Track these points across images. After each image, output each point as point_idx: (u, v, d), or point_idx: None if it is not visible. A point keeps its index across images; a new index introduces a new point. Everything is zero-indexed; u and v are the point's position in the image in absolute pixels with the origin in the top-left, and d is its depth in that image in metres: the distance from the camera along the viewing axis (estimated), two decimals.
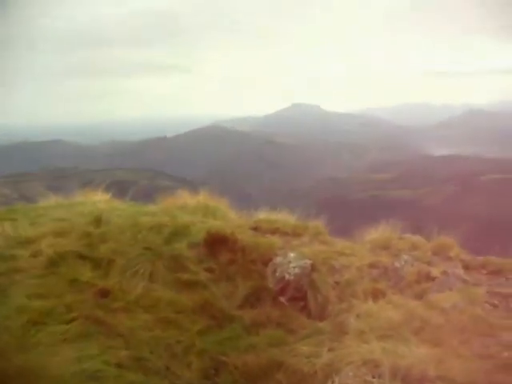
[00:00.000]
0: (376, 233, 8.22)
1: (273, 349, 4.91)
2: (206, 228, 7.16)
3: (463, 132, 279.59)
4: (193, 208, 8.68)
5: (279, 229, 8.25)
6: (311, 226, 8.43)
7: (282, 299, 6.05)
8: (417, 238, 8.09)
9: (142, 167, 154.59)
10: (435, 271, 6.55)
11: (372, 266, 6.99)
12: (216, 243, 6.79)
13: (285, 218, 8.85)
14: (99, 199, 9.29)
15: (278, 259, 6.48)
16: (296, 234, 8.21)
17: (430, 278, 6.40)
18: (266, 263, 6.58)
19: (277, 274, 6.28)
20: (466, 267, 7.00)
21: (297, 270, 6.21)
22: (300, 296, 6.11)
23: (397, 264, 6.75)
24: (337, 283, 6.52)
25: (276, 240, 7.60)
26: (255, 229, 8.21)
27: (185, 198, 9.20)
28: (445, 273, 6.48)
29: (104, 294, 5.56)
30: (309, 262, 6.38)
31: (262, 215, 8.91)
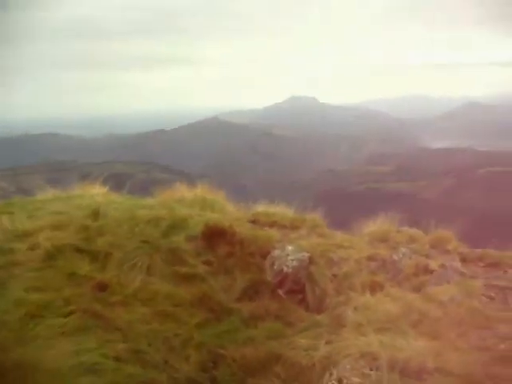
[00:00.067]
0: (374, 225, 8.23)
1: (271, 341, 4.92)
2: (204, 221, 7.15)
3: (461, 125, 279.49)
4: (190, 201, 8.66)
5: (277, 222, 8.24)
6: (309, 218, 8.43)
7: (280, 292, 6.06)
8: (415, 231, 8.10)
9: (140, 160, 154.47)
10: (433, 264, 6.56)
11: (370, 258, 6.99)
12: (214, 236, 6.78)
13: (283, 210, 8.85)
14: (97, 192, 9.27)
15: (276, 252, 6.48)
16: (294, 226, 8.21)
17: (427, 270, 6.41)
18: (264, 256, 6.58)
19: (275, 267, 6.28)
20: (464, 260, 7.01)
21: (295, 263, 6.22)
22: (298, 289, 6.12)
23: (395, 257, 6.76)
24: (335, 276, 6.52)
25: (274, 233, 7.60)
26: (253, 222, 8.20)
27: (182, 190, 9.18)
28: (442, 266, 6.48)
29: (102, 287, 5.55)
30: (307, 254, 6.38)
31: (260, 208, 8.90)
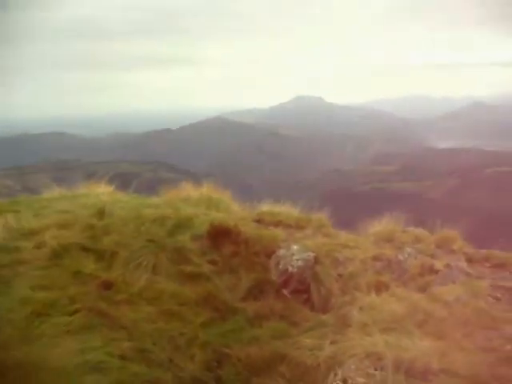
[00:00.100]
0: (379, 225, 8.21)
1: (276, 341, 4.92)
2: (209, 220, 7.15)
3: (466, 124, 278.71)
4: (196, 200, 8.66)
5: (282, 221, 8.24)
6: (314, 218, 8.42)
7: (285, 292, 6.05)
8: (420, 231, 8.08)
9: (145, 159, 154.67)
10: (438, 264, 6.54)
11: (375, 258, 6.98)
12: (219, 235, 6.78)
13: (288, 210, 8.84)
14: (102, 191, 9.28)
15: (281, 252, 6.47)
16: (299, 226, 8.20)
17: (433, 270, 6.39)
18: (269, 255, 6.58)
19: (280, 267, 6.28)
20: (470, 260, 6.99)
21: (300, 263, 6.21)
22: (303, 288, 6.11)
23: (400, 257, 6.74)
24: (340, 276, 6.51)
25: (279, 232, 7.59)
26: (258, 221, 8.20)
27: (188, 190, 9.19)
28: (448, 266, 6.46)
29: (107, 286, 5.56)
30: (312, 254, 6.38)
31: (265, 207, 8.90)
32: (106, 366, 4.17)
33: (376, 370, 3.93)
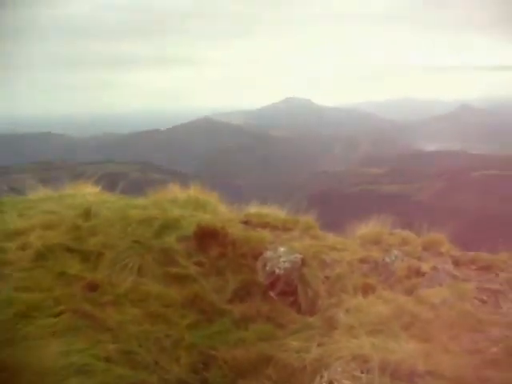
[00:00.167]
0: (367, 228, 8.23)
1: (262, 343, 4.92)
2: (196, 221, 7.12)
3: (455, 127, 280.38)
4: (183, 201, 8.62)
5: (270, 223, 8.22)
6: (302, 220, 8.42)
7: (272, 294, 6.04)
8: (407, 234, 8.10)
9: (133, 160, 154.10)
10: (425, 266, 6.56)
11: (362, 260, 6.99)
12: (206, 237, 6.76)
13: (275, 212, 8.83)
14: (89, 192, 9.21)
15: (268, 253, 6.46)
16: (287, 228, 8.19)
17: (420, 273, 6.41)
18: (256, 257, 6.56)
19: (267, 269, 6.26)
20: (456, 263, 7.02)
21: (287, 265, 6.20)
22: (290, 290, 6.10)
23: (387, 259, 6.75)
24: (327, 278, 6.51)
25: (266, 234, 7.57)
26: (246, 223, 8.17)
27: (175, 191, 9.14)
28: (435, 268, 6.48)
29: (93, 287, 5.52)
30: (299, 256, 6.37)
31: (253, 209, 8.88)
32: (91, 369, 4.15)
33: (362, 372, 3.93)
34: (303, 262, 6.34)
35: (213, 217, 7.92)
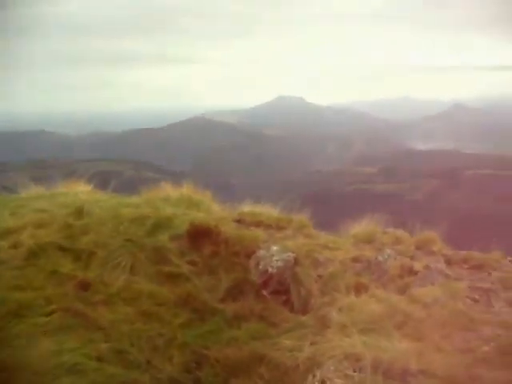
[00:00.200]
0: (360, 226, 8.24)
1: (255, 342, 4.90)
2: (189, 220, 7.10)
3: (449, 127, 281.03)
4: (176, 200, 8.59)
5: (263, 222, 8.21)
6: (295, 219, 8.42)
7: (265, 292, 6.02)
8: (400, 233, 8.12)
9: (127, 158, 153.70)
10: (418, 265, 6.58)
11: (355, 259, 7.00)
12: (199, 235, 6.74)
13: (269, 210, 8.82)
14: (81, 190, 9.17)
15: (261, 252, 6.44)
16: (280, 227, 8.19)
17: (412, 272, 6.42)
18: (249, 256, 6.54)
19: (260, 267, 6.25)
20: (449, 262, 7.04)
21: (280, 264, 6.19)
22: (283, 289, 6.09)
23: (380, 258, 6.76)
24: (320, 277, 6.51)
25: (259, 233, 7.56)
26: (239, 221, 8.17)
27: (168, 189, 9.12)
28: (427, 267, 6.50)
29: (84, 286, 5.49)
30: (292, 255, 6.35)
31: (246, 208, 8.87)
32: (83, 368, 4.13)
33: (355, 371, 3.93)
34: (296, 261, 6.33)
35: (206, 215, 7.90)
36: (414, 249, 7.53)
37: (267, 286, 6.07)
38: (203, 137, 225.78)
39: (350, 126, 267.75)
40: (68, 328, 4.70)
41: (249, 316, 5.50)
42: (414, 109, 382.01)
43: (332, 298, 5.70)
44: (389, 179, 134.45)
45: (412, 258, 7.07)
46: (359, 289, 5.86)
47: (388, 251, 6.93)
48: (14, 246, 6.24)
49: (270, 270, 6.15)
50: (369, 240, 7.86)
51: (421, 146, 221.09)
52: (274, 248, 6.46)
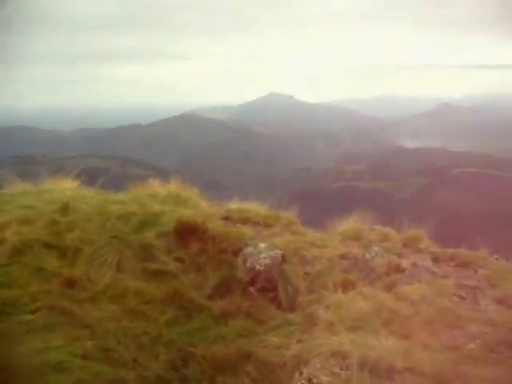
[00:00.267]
0: (347, 224, 8.24)
1: (242, 340, 4.90)
2: (176, 217, 7.06)
3: (437, 125, 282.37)
4: (163, 197, 8.54)
5: (250, 219, 8.19)
6: (283, 216, 8.41)
7: (252, 290, 6.01)
8: (388, 230, 8.14)
9: (114, 154, 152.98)
10: (405, 263, 6.60)
11: (343, 257, 7.01)
12: (186, 232, 6.71)
13: (256, 208, 8.80)
14: (68, 187, 9.07)
15: (249, 249, 6.43)
16: (267, 224, 8.17)
17: (399, 269, 6.44)
18: (236, 253, 6.53)
19: (247, 265, 6.24)
20: (436, 259, 7.07)
21: (267, 261, 6.18)
22: (270, 287, 6.08)
23: (367, 255, 6.77)
24: (307, 274, 6.51)
25: (247, 230, 7.55)
26: (226, 218, 8.14)
27: (155, 186, 9.06)
28: (414, 265, 6.52)
29: (70, 283, 5.45)
30: (279, 252, 6.35)
31: (234, 205, 8.84)
32: (68, 366, 4.10)
33: (341, 368, 3.93)
34: (283, 258, 6.32)
35: (193, 212, 7.86)
36: (401, 246, 7.55)
37: (254, 284, 6.06)
38: (192, 133, 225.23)
39: (338, 124, 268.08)
40: (53, 326, 4.66)
41: (236, 313, 5.49)
42: (403, 107, 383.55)
43: (319, 296, 5.71)
44: (376, 177, 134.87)
45: (399, 255, 7.09)
46: (346, 286, 5.87)
47: (375, 249, 6.95)
48: None
49: (257, 267, 6.14)
50: (356, 237, 7.87)
51: (409, 143, 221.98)
52: (262, 245, 6.45)
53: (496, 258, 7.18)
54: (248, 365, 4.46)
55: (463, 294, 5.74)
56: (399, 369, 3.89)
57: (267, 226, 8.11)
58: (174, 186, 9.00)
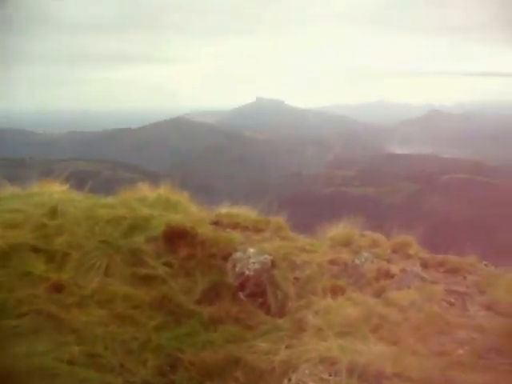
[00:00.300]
0: (337, 229, 8.23)
1: (231, 345, 4.88)
2: (166, 221, 7.03)
3: (427, 131, 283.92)
4: (153, 201, 8.50)
5: (240, 223, 8.17)
6: (273, 221, 8.39)
7: (241, 295, 6.00)
8: (377, 236, 8.14)
9: (104, 158, 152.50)
10: (394, 269, 6.60)
11: (332, 262, 7.00)
12: (175, 237, 6.67)
13: (246, 212, 8.77)
14: (56, 190, 9.00)
15: (238, 254, 6.41)
16: (257, 229, 8.15)
17: (389, 275, 6.44)
18: (225, 258, 6.51)
19: (236, 270, 6.22)
20: (425, 265, 7.08)
21: (256, 266, 6.16)
22: (259, 292, 6.06)
23: (357, 261, 6.78)
24: (297, 279, 6.50)
25: (236, 235, 7.52)
26: (216, 223, 8.11)
27: (145, 190, 9.02)
28: (404, 270, 6.53)
29: (58, 288, 5.39)
30: (269, 257, 6.33)
31: (224, 210, 8.81)
32: (54, 372, 4.05)
33: (330, 374, 3.92)
34: (273, 264, 6.31)
35: (183, 217, 7.83)
36: (390, 252, 7.55)
37: (244, 289, 6.05)
38: (183, 137, 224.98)
39: (329, 130, 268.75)
40: (40, 330, 4.61)
41: (225, 319, 5.47)
42: (394, 113, 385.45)
43: (308, 301, 5.70)
44: (366, 182, 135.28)
45: (389, 261, 7.09)
46: (336, 292, 5.86)
47: (365, 254, 6.95)
48: None
49: (246, 272, 6.13)
50: (346, 243, 7.86)
51: (399, 149, 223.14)
52: (251, 250, 6.43)
53: (485, 264, 7.20)
54: (237, 370, 4.44)
55: (452, 300, 5.75)
56: (388, 375, 3.88)
57: (257, 230, 8.08)
58: (163, 190, 8.96)
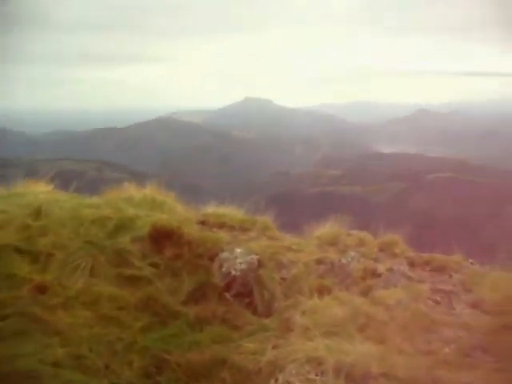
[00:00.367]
0: (324, 228, 8.23)
1: (217, 346, 4.84)
2: (151, 221, 6.98)
3: (414, 131, 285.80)
4: (139, 201, 8.45)
5: (227, 223, 8.14)
6: (259, 220, 8.37)
7: (228, 295, 5.97)
8: (364, 235, 8.14)
9: (90, 158, 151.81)
10: (381, 268, 6.61)
11: (319, 261, 6.99)
12: (161, 237, 6.63)
13: (233, 212, 8.74)
14: (41, 190, 8.93)
15: (225, 254, 6.39)
16: (244, 228, 8.13)
17: (375, 274, 6.45)
18: (212, 258, 6.48)
19: (223, 270, 6.19)
20: (411, 264, 7.09)
21: (243, 266, 6.14)
22: (246, 292, 6.04)
23: (343, 260, 6.78)
24: (283, 279, 6.48)
25: (223, 235, 7.49)
26: (203, 223, 8.08)
27: (131, 190, 8.96)
28: (390, 269, 6.54)
29: (42, 289, 5.34)
30: (255, 257, 6.31)
31: (210, 209, 8.78)
32: (38, 374, 4.00)
33: (317, 374, 3.91)
34: (260, 263, 6.29)
35: (169, 217, 7.79)
36: (377, 251, 7.56)
37: (230, 289, 6.02)
38: (170, 137, 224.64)
39: (316, 129, 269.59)
40: (24, 333, 4.55)
41: (211, 319, 5.44)
42: (381, 112, 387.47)
43: (295, 301, 5.68)
44: (353, 181, 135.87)
45: (375, 260, 7.10)
46: (322, 291, 5.86)
47: (352, 253, 6.96)
48: None
49: (233, 272, 6.11)
50: (333, 242, 7.86)
51: (386, 148, 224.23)
52: (238, 250, 6.41)
53: (471, 263, 7.23)
54: (223, 371, 4.41)
55: (438, 299, 5.77)
56: (374, 374, 3.88)
57: (243, 230, 8.06)
58: (149, 190, 8.91)
